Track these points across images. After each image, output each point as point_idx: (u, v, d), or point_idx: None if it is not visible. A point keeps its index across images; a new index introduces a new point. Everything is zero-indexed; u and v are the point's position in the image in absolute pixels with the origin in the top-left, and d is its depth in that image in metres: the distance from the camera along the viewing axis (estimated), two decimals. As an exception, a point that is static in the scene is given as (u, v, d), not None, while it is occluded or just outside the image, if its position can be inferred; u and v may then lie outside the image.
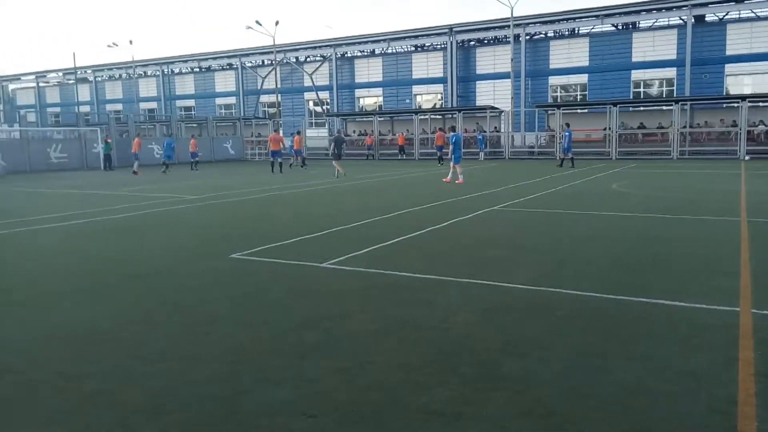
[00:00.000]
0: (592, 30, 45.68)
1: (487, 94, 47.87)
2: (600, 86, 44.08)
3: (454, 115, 39.09)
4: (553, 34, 47.32)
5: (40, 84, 74.45)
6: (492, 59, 48.36)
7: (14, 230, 10.46)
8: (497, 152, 36.89)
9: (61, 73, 71.44)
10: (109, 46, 61.84)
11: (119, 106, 65.69)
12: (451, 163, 18.49)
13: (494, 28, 47.80)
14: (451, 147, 18.41)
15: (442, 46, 50.36)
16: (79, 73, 65.05)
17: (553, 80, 46.35)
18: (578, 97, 45.74)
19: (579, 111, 40.06)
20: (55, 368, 4.16)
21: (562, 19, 45.79)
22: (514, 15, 40.29)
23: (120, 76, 67.69)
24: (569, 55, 45.48)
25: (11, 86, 78.03)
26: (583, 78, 45.41)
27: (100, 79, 69.43)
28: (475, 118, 39.43)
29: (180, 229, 10.52)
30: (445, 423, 3.28)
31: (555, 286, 5.99)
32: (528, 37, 46.50)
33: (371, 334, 4.75)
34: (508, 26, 41.84)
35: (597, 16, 44.27)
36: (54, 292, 6.27)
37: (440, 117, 42.26)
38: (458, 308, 5.39)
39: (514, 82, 41.94)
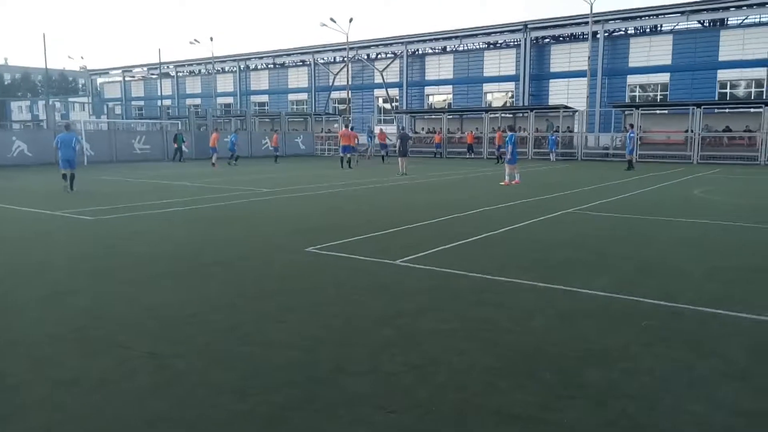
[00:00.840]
0: (676, 27, 43.62)
1: (561, 92, 46.65)
2: (682, 86, 42.05)
3: (526, 114, 38.32)
4: (633, 31, 45.52)
5: (126, 78, 78.56)
6: (567, 57, 47.08)
7: (111, 216, 11.11)
8: (569, 153, 35.90)
9: (145, 68, 75.11)
10: (191, 42, 64.52)
11: (198, 101, 68.37)
12: (509, 164, 18.13)
13: (571, 24, 46.53)
14: (510, 147, 17.99)
15: (516, 43, 49.45)
16: (162, 68, 68.14)
17: (632, 79, 44.61)
18: (658, 97, 43.83)
19: (658, 112, 38.35)
20: (150, 346, 4.41)
21: (644, 16, 43.99)
22: (593, 11, 39.03)
23: (199, 71, 70.43)
24: (650, 52, 43.61)
25: (100, 80, 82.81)
26: (665, 77, 43.45)
27: (181, 74, 72.50)
28: (548, 117, 38.51)
29: (257, 221, 10.86)
30: (525, 428, 3.26)
31: (639, 294, 5.78)
32: (606, 34, 44.96)
33: (446, 333, 4.75)
34: (586, 23, 40.61)
35: (682, 12, 42.25)
36: (147, 275, 6.63)
37: (511, 115, 41.55)
38: (533, 312, 5.31)
39: (590, 81, 40.68)
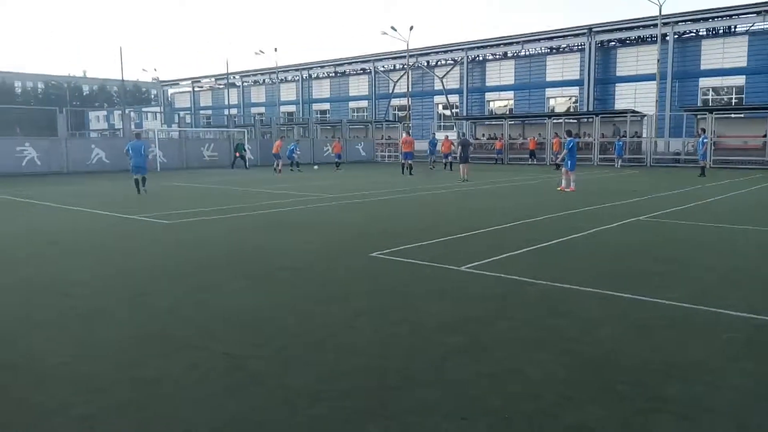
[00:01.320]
0: (752, 28, 41.48)
1: (628, 97, 45.19)
2: (759, 89, 39.90)
3: (590, 119, 37.33)
4: (705, 33, 43.61)
5: (195, 89, 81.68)
6: (634, 60, 45.59)
7: (184, 220, 11.56)
8: (637, 159, 34.68)
9: (213, 79, 77.89)
10: (256, 53, 66.44)
11: (262, 109, 70.26)
12: (563, 169, 17.69)
13: (638, 27, 45.05)
14: (565, 152, 17.52)
15: (580, 47, 48.31)
16: (229, 78, 70.49)
17: (704, 82, 42.72)
18: (733, 100, 41.75)
19: (734, 116, 36.52)
20: (226, 348, 4.56)
21: (717, 16, 42.08)
22: (663, 13, 37.64)
23: (264, 81, 72.41)
24: (724, 54, 41.66)
25: (171, 91, 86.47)
26: (740, 80, 41.39)
27: (246, 83, 74.76)
28: (614, 122, 37.36)
29: (321, 227, 11.04)
30: (603, 441, 3.16)
31: (720, 306, 5.52)
32: (676, 36, 43.27)
33: (516, 341, 4.68)
34: (655, 25, 39.21)
35: (758, 13, 40.17)
36: (220, 278, 6.85)
37: (575, 121, 40.58)
38: (604, 322, 5.15)
39: (659, 84, 39.21)
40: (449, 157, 29.29)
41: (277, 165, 29.02)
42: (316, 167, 29.68)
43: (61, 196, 16.82)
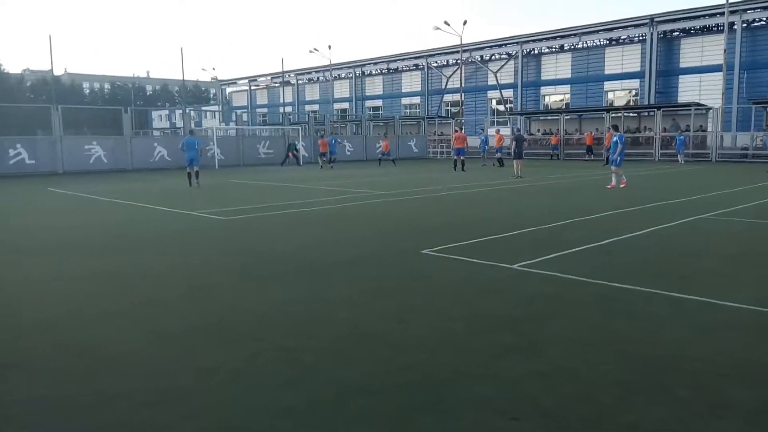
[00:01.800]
0: (831, 13, 39.03)
1: (692, 89, 43.36)
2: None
3: (652, 113, 36.04)
4: (777, 20, 41.30)
5: (252, 87, 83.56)
6: (699, 50, 43.68)
7: (242, 216, 11.90)
8: (702, 154, 33.28)
9: (269, 78, 79.46)
10: (310, 51, 67.36)
11: (316, 107, 71.23)
12: (612, 167, 16.98)
13: (703, 16, 43.13)
14: (620, 147, 16.74)
15: (641, 38, 46.66)
16: (284, 77, 71.76)
17: (776, 72, 40.46)
18: (808, 91, 39.41)
19: (809, 107, 34.49)
20: (281, 340, 4.68)
21: (791, 2, 39.75)
22: (730, 1, 35.90)
23: (318, 78, 73.34)
24: (798, 43, 39.36)
25: (228, 90, 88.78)
26: (816, 69, 39.01)
27: (301, 82, 75.93)
28: (677, 116, 35.94)
29: (374, 222, 11.12)
30: (662, 444, 3.07)
31: (788, 308, 5.25)
32: (745, 25, 41.17)
33: (571, 341, 4.60)
34: (721, 13, 37.46)
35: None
36: (276, 271, 7.03)
37: (635, 115, 39.28)
38: (667, 323, 4.99)
39: (726, 76, 37.45)
40: (500, 152, 28.62)
41: (324, 162, 30.00)
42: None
43: (125, 192, 17.58)
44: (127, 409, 3.51)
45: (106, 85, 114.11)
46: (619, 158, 16.80)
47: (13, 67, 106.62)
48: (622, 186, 16.63)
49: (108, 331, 4.93)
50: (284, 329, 4.96)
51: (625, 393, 3.67)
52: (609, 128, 31.33)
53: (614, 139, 17.04)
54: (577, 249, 8.09)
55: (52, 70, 34.51)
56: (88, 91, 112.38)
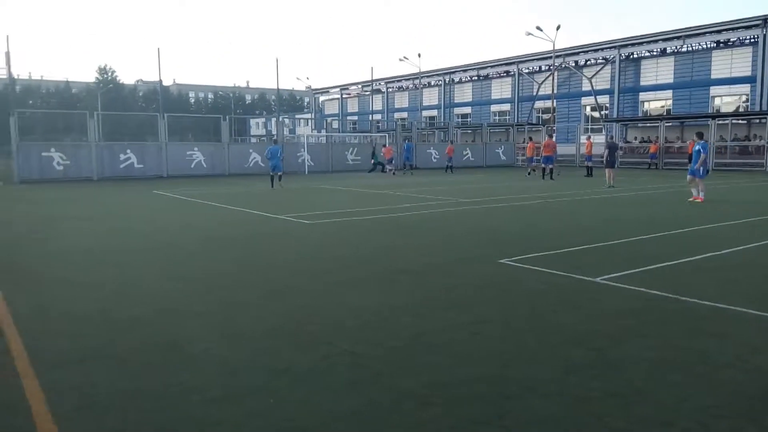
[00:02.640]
0: None
1: (812, 94, 39.69)
2: None
3: (763, 120, 33.37)
4: None
5: (343, 95, 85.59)
6: (821, 52, 39.92)
7: (326, 221, 12.22)
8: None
9: (359, 86, 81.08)
10: (400, 59, 67.96)
11: (405, 114, 71.77)
12: (698, 178, 15.44)
13: (827, 14, 39.41)
14: (703, 157, 15.35)
15: (752, 40, 43.34)
16: (374, 85, 72.95)
17: None
18: None
19: None
20: (350, 345, 4.76)
21: None
22: None
23: (407, 86, 73.92)
24: None
25: (321, 98, 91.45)
26: None
27: (390, 90, 76.85)
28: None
29: (452, 230, 11.04)
30: (743, 479, 2.83)
31: None
32: None
33: (650, 361, 4.34)
34: None
35: None
36: (351, 277, 7.15)
37: (744, 122, 36.53)
38: (761, 347, 4.60)
39: None
40: (590, 160, 27.23)
41: (392, 168, 30.74)
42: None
43: (220, 196, 18.53)
44: (198, 404, 3.69)
45: (210, 95, 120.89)
46: (702, 169, 15.43)
47: (128, 78, 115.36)
48: (698, 201, 15.21)
49: (190, 329, 5.21)
50: (354, 334, 5.04)
51: (709, 419, 3.42)
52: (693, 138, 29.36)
53: (696, 147, 15.73)
54: (667, 263, 7.63)
55: (160, 81, 37.10)
56: (193, 100, 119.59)
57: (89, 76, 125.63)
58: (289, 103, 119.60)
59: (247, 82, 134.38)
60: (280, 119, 41.10)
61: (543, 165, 26.03)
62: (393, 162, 31.18)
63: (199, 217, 13.49)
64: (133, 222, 12.74)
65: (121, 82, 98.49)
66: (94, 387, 3.96)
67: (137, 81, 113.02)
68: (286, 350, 4.65)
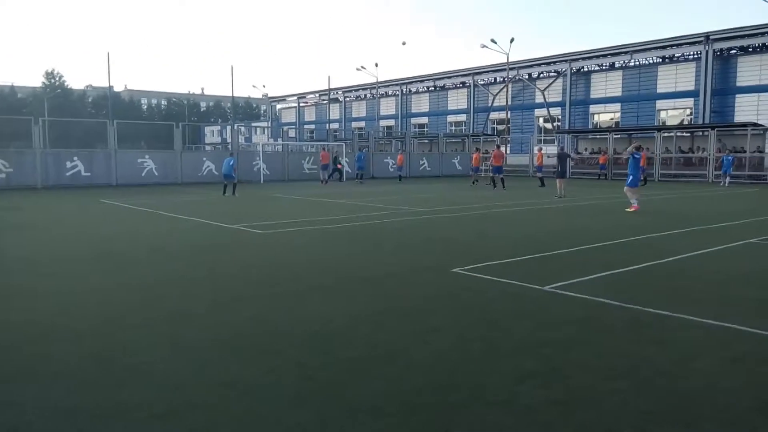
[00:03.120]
0: None
1: (749, 109, 41.69)
2: None
3: (706, 133, 34.84)
4: (844, 37, 39.43)
5: (300, 104, 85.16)
6: (757, 69, 42.01)
7: (279, 230, 12.07)
8: (758, 176, 31.87)
9: (317, 95, 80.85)
10: (357, 69, 68.08)
11: (362, 124, 71.90)
12: (629, 187, 15.99)
13: (762, 33, 41.57)
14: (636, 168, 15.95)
15: (696, 56, 45.31)
16: (331, 94, 72.86)
17: (842, 91, 38.52)
18: None
19: None
20: (299, 356, 4.68)
21: None
22: (791, 17, 34.53)
23: (365, 96, 74.14)
24: None
25: (278, 106, 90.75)
26: None
27: (348, 99, 76.92)
28: (731, 136, 34.63)
29: (407, 239, 11.07)
30: (679, 483, 2.90)
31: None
32: (808, 42, 39.45)
33: (595, 369, 4.43)
34: (782, 30, 36.01)
35: None
36: (303, 287, 7.06)
37: (688, 135, 38.08)
38: (700, 353, 4.75)
39: (786, 95, 35.89)
40: (541, 171, 27.71)
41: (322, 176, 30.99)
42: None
43: (172, 205, 18.10)
44: (139, 421, 3.56)
45: (163, 102, 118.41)
46: (631, 178, 15.99)
47: (76, 83, 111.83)
48: (631, 210, 15.52)
49: (132, 342, 5.04)
50: (303, 345, 4.96)
51: (647, 425, 3.50)
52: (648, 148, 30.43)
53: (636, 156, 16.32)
54: (613, 272, 7.84)
55: (110, 86, 36.10)
56: (145, 107, 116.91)
57: (36, 81, 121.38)
58: (245, 111, 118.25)
59: (202, 89, 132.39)
60: (236, 127, 40.49)
61: (492, 174, 26.45)
62: (328, 169, 31.03)
63: (148, 226, 13.14)
64: (77, 231, 12.31)
65: (69, 87, 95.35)
66: (21, 407, 3.76)
67: (86, 86, 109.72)
68: (232, 363, 4.55)
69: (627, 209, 15.75)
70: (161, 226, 13.02)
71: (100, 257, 9.17)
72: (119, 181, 27.81)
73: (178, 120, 42.84)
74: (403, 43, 74.18)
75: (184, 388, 4.04)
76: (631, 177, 16.12)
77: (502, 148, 28.38)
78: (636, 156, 16.10)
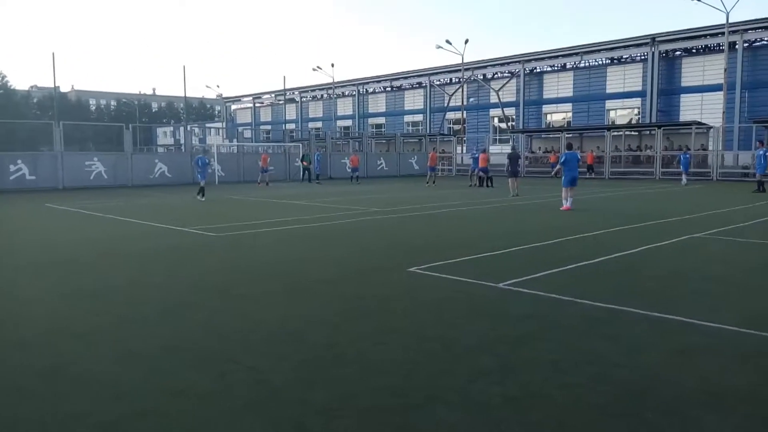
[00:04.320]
0: (832, 32, 39.11)
1: (693, 108, 43.42)
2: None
3: (653, 132, 36.05)
4: (779, 40, 41.44)
5: (256, 105, 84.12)
6: (700, 70, 43.81)
7: (233, 233, 11.85)
8: (702, 173, 33.16)
9: (273, 95, 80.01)
10: (313, 69, 67.75)
11: (319, 124, 71.56)
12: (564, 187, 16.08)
13: (705, 36, 43.32)
14: (558, 167, 16.28)
15: (642, 57, 46.87)
16: (287, 94, 72.22)
17: (778, 92, 40.47)
18: (810, 110, 39.36)
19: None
20: (252, 361, 4.59)
21: (792, 22, 39.90)
22: (730, 21, 36.06)
23: (322, 96, 73.80)
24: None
25: (233, 107, 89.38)
26: (818, 88, 39.00)
27: (305, 99, 76.42)
28: (678, 135, 35.93)
29: (364, 240, 11.05)
30: (628, 474, 2.97)
31: (771, 331, 5.14)
32: (746, 45, 41.33)
33: (548, 364, 4.49)
34: (722, 33, 37.61)
35: (839, 17, 37.82)
36: (258, 290, 6.94)
37: (636, 133, 39.32)
38: (647, 345, 4.89)
39: (727, 95, 37.48)
40: (484, 171, 27.87)
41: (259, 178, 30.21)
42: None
43: (122, 208, 17.58)
44: (83, 432, 3.42)
45: (112, 102, 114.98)
46: (564, 178, 16.07)
47: (21, 84, 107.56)
48: (563, 209, 15.73)
49: (79, 350, 4.86)
50: (257, 350, 4.87)
51: (598, 419, 3.57)
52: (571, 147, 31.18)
53: (561, 158, 16.61)
54: (565, 268, 8.00)
55: (55, 87, 34.85)
56: (94, 107, 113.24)
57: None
58: (198, 111, 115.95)
59: (154, 90, 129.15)
60: (189, 128, 39.65)
61: (480, 175, 27.05)
62: (267, 171, 30.43)
63: (97, 231, 12.72)
64: (22, 238, 11.81)
65: (12, 87, 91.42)
66: (-40, 422, 3.57)
67: (31, 87, 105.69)
68: (182, 369, 4.43)
69: (560, 208, 16.01)
70: (111, 231, 12.63)
71: (46, 264, 8.82)
72: (66, 184, 26.88)
73: (128, 121, 41.65)
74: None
75: (133, 397, 3.91)
76: (565, 177, 16.14)
77: (486, 152, 28.93)
78: (563, 158, 16.54)
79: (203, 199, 20.02)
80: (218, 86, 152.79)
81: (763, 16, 40.71)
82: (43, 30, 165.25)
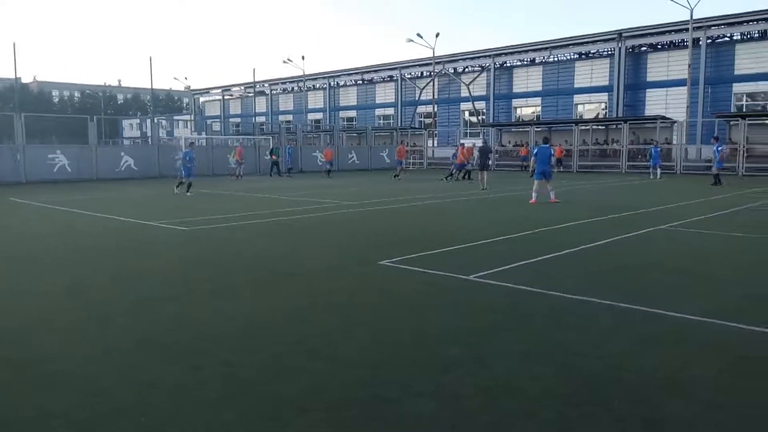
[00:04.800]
0: (790, 30, 40.32)
1: (658, 103, 44.35)
2: (797, 94, 38.69)
3: (619, 126, 36.74)
4: (739, 37, 42.56)
5: (225, 97, 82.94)
6: (665, 65, 44.73)
7: (204, 227, 11.71)
8: (667, 166, 33.93)
9: (242, 87, 78.97)
10: (284, 61, 66.93)
11: (290, 117, 70.96)
12: (535, 180, 16.33)
13: (670, 31, 44.22)
14: (533, 160, 16.72)
15: (609, 52, 47.64)
16: (257, 87, 71.36)
17: (738, 87, 41.63)
18: (769, 106, 40.60)
19: (769, 122, 35.52)
20: (224, 355, 4.58)
21: (752, 20, 41.00)
22: (694, 17, 36.91)
23: (292, 89, 73.13)
24: (759, 59, 40.53)
25: (202, 99, 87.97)
26: (776, 85, 40.20)
27: (275, 92, 75.64)
28: (644, 129, 36.69)
29: (335, 234, 11.05)
30: (594, 460, 3.06)
31: (740, 321, 5.31)
32: (709, 41, 42.35)
33: (517, 354, 4.59)
34: (686, 29, 38.45)
35: (796, 15, 39.02)
36: (229, 284, 6.90)
37: (603, 127, 40.02)
38: (613, 335, 5.02)
39: (690, 90, 38.39)
40: (463, 166, 28.12)
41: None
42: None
43: (88, 202, 17.21)
44: (58, 428, 3.38)
45: (76, 94, 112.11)
46: (536, 172, 16.33)
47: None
48: (531, 202, 15.94)
49: (50, 346, 4.78)
50: (228, 343, 4.86)
51: (566, 408, 3.66)
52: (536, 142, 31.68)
53: (534, 151, 17.05)
54: (534, 260, 8.14)
55: (16, 78, 33.82)
56: (57, 99, 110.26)
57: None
58: (166, 103, 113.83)
59: (119, 81, 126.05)
60: (156, 121, 38.96)
61: (459, 170, 27.42)
62: (242, 166, 30.15)
63: (63, 226, 12.44)
64: (-18, 233, 11.48)
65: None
66: None
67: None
68: (155, 363, 4.39)
69: (548, 200, 16.30)
70: (78, 225, 12.36)
71: (11, 260, 8.61)
72: (28, 178, 26.16)
73: (93, 113, 40.71)
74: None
75: (105, 392, 3.87)
76: (536, 170, 16.40)
77: (467, 145, 29.19)
78: (536, 151, 16.93)
79: (191, 194, 19.31)
80: (186, 78, 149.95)
81: (726, 13, 41.78)
82: (4, 19, 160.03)
